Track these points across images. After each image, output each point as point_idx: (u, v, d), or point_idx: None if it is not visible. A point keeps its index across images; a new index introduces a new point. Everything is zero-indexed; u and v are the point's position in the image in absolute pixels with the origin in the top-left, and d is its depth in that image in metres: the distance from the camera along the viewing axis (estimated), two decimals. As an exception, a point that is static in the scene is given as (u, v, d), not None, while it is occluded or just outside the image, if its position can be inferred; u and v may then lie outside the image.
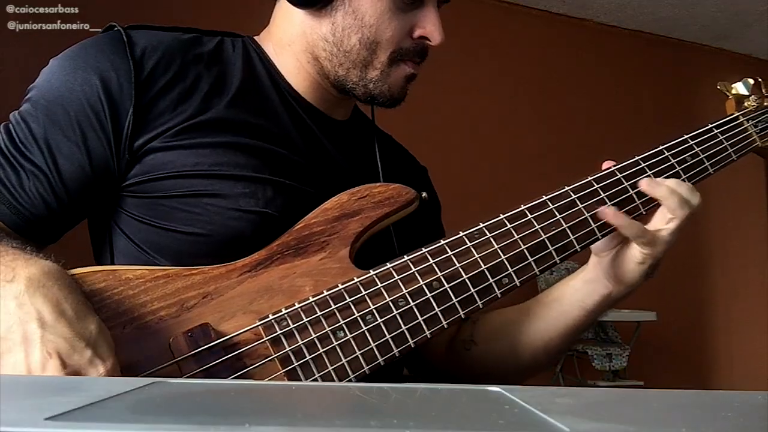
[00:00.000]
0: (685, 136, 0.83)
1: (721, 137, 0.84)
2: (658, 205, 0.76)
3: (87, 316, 0.57)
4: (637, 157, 0.79)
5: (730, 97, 0.93)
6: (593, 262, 0.79)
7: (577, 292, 0.80)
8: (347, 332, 0.65)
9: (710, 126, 0.85)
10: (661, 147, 0.81)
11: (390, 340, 0.66)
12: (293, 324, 0.65)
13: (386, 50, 0.76)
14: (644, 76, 3.81)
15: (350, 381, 0.64)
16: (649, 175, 0.78)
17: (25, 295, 0.56)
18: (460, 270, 0.69)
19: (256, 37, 0.84)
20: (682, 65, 3.91)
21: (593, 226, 0.74)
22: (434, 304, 0.68)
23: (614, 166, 0.78)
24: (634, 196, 0.76)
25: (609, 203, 0.75)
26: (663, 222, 0.74)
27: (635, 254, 0.74)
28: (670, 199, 0.74)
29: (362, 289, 0.67)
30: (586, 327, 0.81)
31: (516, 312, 0.85)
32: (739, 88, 0.93)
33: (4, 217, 0.69)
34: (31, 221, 0.70)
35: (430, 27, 0.77)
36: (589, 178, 0.77)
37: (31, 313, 0.55)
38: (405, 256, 0.69)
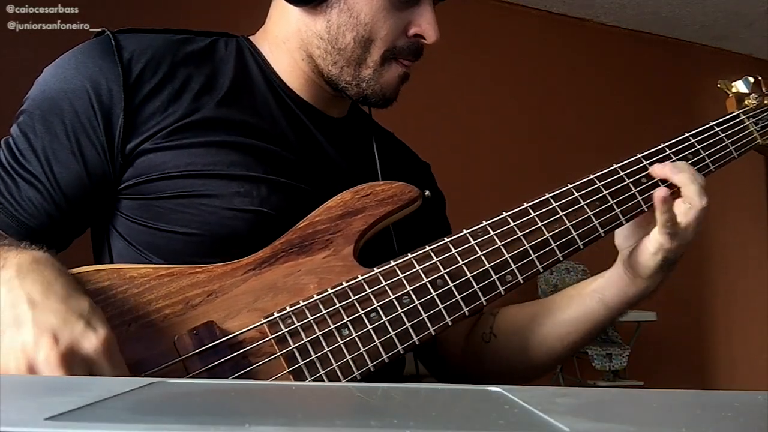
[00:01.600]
0: (687, 134, 0.83)
1: (722, 135, 0.85)
2: None
3: (78, 295, 0.57)
4: (639, 155, 0.80)
5: (731, 95, 0.94)
6: (619, 258, 0.80)
7: (598, 287, 0.81)
8: (352, 330, 0.65)
9: (711, 124, 0.85)
10: (662, 145, 0.81)
11: (394, 337, 0.66)
12: (298, 322, 0.65)
13: (380, 48, 0.76)
14: (644, 76, 3.81)
15: (355, 378, 0.64)
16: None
17: (15, 280, 0.55)
18: (464, 268, 0.70)
19: (251, 36, 0.84)
20: (682, 65, 3.91)
21: (595, 222, 0.74)
22: (438, 302, 0.68)
23: (616, 164, 0.78)
24: (636, 193, 0.77)
25: (611, 201, 0.76)
26: (680, 215, 0.74)
27: (651, 243, 0.75)
28: (690, 187, 0.74)
29: (366, 287, 0.67)
30: (606, 324, 0.82)
31: (538, 306, 0.86)
32: (740, 86, 0.94)
33: (8, 229, 0.69)
34: (35, 231, 0.70)
35: (425, 25, 0.76)
36: (592, 176, 0.77)
37: (21, 296, 0.54)
38: (409, 254, 0.70)
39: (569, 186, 0.76)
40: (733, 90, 0.94)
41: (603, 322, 0.81)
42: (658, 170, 0.77)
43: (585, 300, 0.81)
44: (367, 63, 0.77)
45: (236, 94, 0.76)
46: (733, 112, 0.89)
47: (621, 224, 0.76)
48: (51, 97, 0.71)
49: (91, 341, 0.53)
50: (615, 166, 0.78)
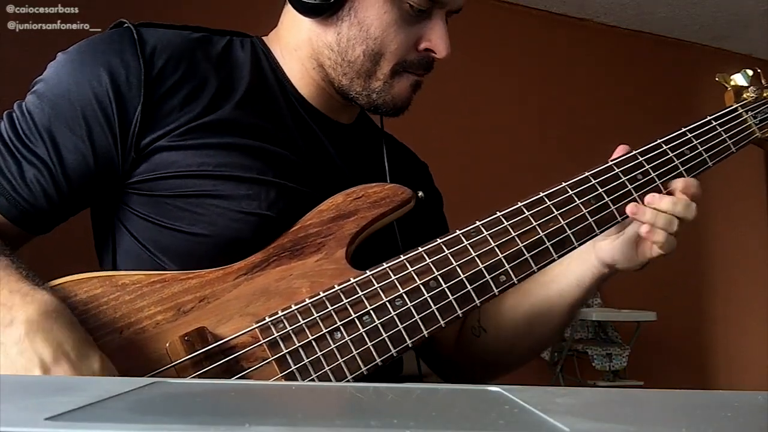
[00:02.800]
0: (683, 129, 0.82)
1: (720, 129, 0.83)
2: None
3: (89, 354, 0.57)
4: (634, 152, 0.78)
5: (729, 88, 0.91)
6: (588, 243, 0.79)
7: (572, 272, 0.82)
8: (344, 333, 0.65)
9: (709, 118, 0.84)
10: (659, 141, 0.80)
11: (387, 340, 0.65)
12: (290, 326, 0.65)
13: (390, 62, 0.76)
14: (644, 76, 3.81)
15: (348, 382, 0.64)
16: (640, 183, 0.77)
17: (25, 341, 0.55)
18: (457, 269, 0.69)
19: (264, 38, 0.84)
20: (682, 65, 3.91)
21: (590, 221, 0.74)
22: (431, 303, 0.67)
23: (611, 161, 0.78)
24: (632, 190, 0.76)
25: (606, 198, 0.75)
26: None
27: (645, 252, 0.76)
28: (659, 220, 0.74)
29: (359, 290, 0.67)
30: (585, 302, 0.84)
31: (517, 295, 0.86)
32: (738, 79, 0.92)
33: (1, 208, 0.69)
34: (28, 213, 0.70)
35: (436, 39, 0.76)
36: (587, 174, 0.76)
37: (33, 360, 0.54)
38: (401, 256, 0.69)
39: (563, 184, 0.75)
40: (732, 83, 0.92)
41: (582, 301, 0.83)
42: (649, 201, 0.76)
43: (562, 286, 0.83)
44: (377, 75, 0.77)
45: (252, 97, 0.76)
46: (730, 106, 0.87)
47: (617, 222, 0.75)
48: (65, 81, 0.71)
49: None
50: (610, 163, 0.77)
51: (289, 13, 0.80)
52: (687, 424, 0.32)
